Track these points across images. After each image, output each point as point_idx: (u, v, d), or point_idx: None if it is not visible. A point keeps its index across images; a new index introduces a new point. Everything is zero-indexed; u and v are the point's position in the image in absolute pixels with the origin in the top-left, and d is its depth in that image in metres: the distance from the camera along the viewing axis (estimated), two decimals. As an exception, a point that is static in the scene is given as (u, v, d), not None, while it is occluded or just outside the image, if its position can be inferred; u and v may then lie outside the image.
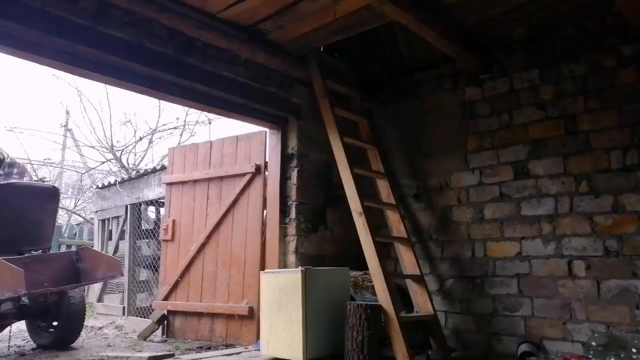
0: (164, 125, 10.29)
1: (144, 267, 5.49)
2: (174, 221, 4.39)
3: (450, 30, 3.18)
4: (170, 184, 4.54)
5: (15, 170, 4.11)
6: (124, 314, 5.46)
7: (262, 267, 3.72)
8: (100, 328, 5.10)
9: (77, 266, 3.96)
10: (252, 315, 3.73)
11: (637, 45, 2.97)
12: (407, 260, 3.51)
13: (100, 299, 6.16)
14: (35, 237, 3.98)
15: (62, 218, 11.86)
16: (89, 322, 5.06)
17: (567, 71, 3.20)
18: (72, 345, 4.17)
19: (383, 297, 2.98)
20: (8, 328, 3.96)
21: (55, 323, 4.15)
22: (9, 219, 3.78)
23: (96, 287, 6.17)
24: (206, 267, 4.10)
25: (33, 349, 4.16)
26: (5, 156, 4.12)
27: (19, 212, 3.82)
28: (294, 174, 3.72)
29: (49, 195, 4.11)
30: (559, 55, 3.24)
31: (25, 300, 3.86)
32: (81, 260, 4.00)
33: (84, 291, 4.25)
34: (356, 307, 2.86)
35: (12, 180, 4.06)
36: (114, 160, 10.05)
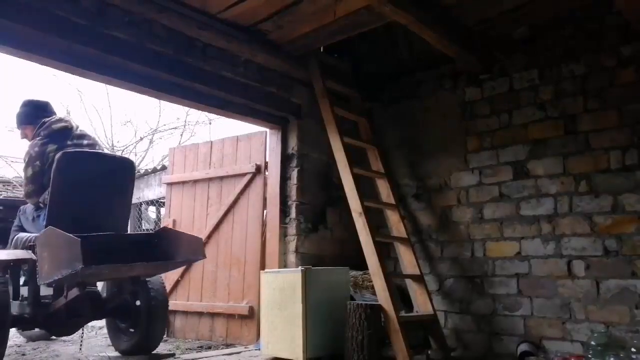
0: (164, 125, 10.32)
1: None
2: (174, 221, 4.40)
3: (450, 31, 3.18)
4: (170, 184, 4.55)
5: (85, 142, 3.26)
6: (124, 314, 5.45)
7: (262, 266, 3.73)
8: (100, 328, 5.10)
9: (157, 249, 2.98)
10: (252, 315, 3.74)
11: (636, 45, 2.97)
12: (407, 260, 3.52)
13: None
14: (107, 218, 3.10)
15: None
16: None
17: (567, 71, 3.21)
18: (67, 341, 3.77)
19: (383, 296, 2.99)
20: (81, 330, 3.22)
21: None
22: (77, 194, 2.92)
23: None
24: (206, 266, 4.11)
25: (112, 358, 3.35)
26: (75, 126, 3.28)
27: (89, 187, 2.97)
28: (294, 174, 3.73)
29: (126, 169, 3.22)
30: (559, 55, 3.25)
31: (92, 288, 3.10)
32: (161, 242, 3.03)
33: (163, 281, 3.36)
34: (356, 306, 2.86)
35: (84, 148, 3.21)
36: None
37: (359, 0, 2.88)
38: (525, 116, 3.35)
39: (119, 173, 3.17)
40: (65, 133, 3.18)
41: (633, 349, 2.64)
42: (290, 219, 3.69)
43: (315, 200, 3.84)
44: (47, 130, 3.12)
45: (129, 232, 5.51)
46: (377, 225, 3.74)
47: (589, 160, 3.06)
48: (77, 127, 3.30)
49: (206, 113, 8.34)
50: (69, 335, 3.27)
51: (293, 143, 3.79)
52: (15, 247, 2.98)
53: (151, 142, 10.53)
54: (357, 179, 3.31)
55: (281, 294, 3.04)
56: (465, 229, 3.55)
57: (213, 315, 4.00)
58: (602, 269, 2.94)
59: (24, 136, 3.32)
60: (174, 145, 7.69)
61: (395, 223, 3.61)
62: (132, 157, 10.32)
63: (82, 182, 2.93)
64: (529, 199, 3.27)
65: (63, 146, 3.06)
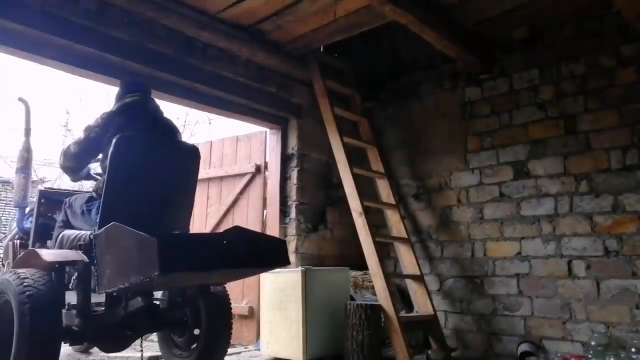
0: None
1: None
2: (174, 221, 4.39)
3: (450, 31, 3.18)
4: (170, 184, 4.53)
5: (157, 126, 2.65)
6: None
7: (262, 267, 3.72)
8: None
9: (234, 252, 2.36)
10: (252, 315, 3.73)
11: (636, 45, 2.97)
12: (407, 260, 3.52)
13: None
14: (171, 214, 2.61)
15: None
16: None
17: (567, 71, 3.21)
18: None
19: (383, 297, 2.99)
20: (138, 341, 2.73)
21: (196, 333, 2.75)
22: (137, 184, 2.40)
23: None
24: (206, 267, 4.10)
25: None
26: (154, 107, 2.68)
27: (151, 176, 2.45)
28: (294, 174, 3.73)
29: (192, 157, 2.67)
30: (559, 55, 3.25)
31: (158, 298, 2.65)
32: (236, 244, 2.39)
33: (227, 289, 2.80)
34: (356, 307, 2.86)
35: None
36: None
37: (359, 0, 2.88)
38: (526, 116, 3.35)
39: (184, 162, 2.65)
40: (137, 109, 2.53)
41: (633, 349, 2.64)
42: (290, 219, 3.69)
43: (315, 200, 3.84)
44: (120, 103, 2.55)
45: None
46: (377, 225, 3.74)
47: (589, 160, 3.06)
48: (157, 109, 2.67)
49: (206, 113, 8.34)
50: (120, 351, 2.73)
51: (293, 143, 3.79)
52: (61, 247, 2.47)
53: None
54: (357, 178, 3.31)
55: (281, 294, 3.04)
56: (466, 229, 3.55)
57: (213, 315, 3.99)
58: (602, 269, 2.93)
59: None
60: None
61: (395, 223, 3.61)
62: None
63: (143, 171, 2.42)
64: (529, 199, 3.27)
65: (131, 125, 2.44)
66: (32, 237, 2.75)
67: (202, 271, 2.14)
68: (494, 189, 3.44)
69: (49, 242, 2.68)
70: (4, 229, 8.57)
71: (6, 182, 12.70)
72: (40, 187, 2.95)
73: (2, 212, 12.64)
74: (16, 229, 2.99)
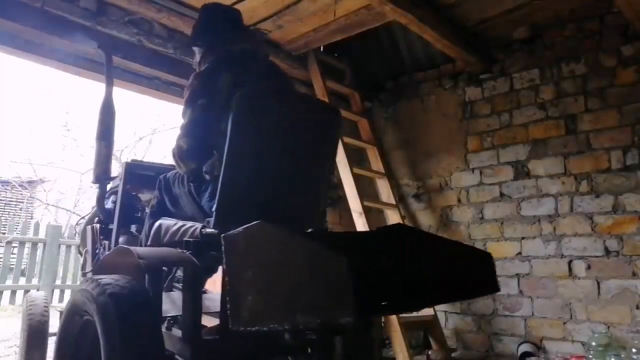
0: (164, 125, 10.31)
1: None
2: (174, 221, 4.36)
3: (451, 30, 3.18)
4: (170, 184, 4.50)
5: (275, 78, 1.99)
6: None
7: (263, 267, 3.69)
8: None
9: (436, 275, 1.39)
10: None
11: (637, 45, 2.96)
12: (407, 260, 3.50)
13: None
14: (306, 203, 1.91)
15: (62, 218, 11.87)
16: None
17: (568, 71, 3.20)
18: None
19: (383, 297, 2.97)
20: None
21: None
22: (266, 160, 1.72)
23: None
24: (206, 267, 4.08)
25: None
26: (264, 53, 2.09)
27: (283, 149, 1.76)
28: (294, 174, 3.72)
29: (331, 123, 1.91)
30: (559, 55, 3.24)
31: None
32: (435, 262, 1.41)
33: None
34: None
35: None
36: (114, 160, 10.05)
37: (359, 0, 2.87)
38: (526, 116, 3.34)
39: (324, 129, 1.90)
40: (246, 58, 1.89)
41: (634, 350, 2.63)
42: (290, 219, 3.68)
43: (315, 200, 3.83)
44: (219, 53, 1.87)
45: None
46: (377, 225, 3.73)
47: (590, 160, 3.05)
48: (267, 55, 2.06)
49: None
50: None
51: (293, 143, 3.78)
52: (157, 240, 1.85)
53: (150, 142, 10.52)
54: (357, 178, 3.30)
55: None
56: (466, 229, 3.54)
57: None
58: (602, 269, 2.93)
59: (195, 65, 1.99)
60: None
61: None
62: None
63: (274, 144, 1.73)
64: (530, 199, 3.26)
65: (242, 80, 1.75)
66: (116, 222, 2.14)
67: (409, 310, 1.36)
68: (494, 189, 3.44)
69: (132, 228, 2.18)
70: (3, 229, 8.56)
71: (6, 183, 12.69)
72: (126, 160, 2.37)
73: (1, 212, 12.62)
74: (95, 209, 2.42)
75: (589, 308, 2.95)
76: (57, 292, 6.83)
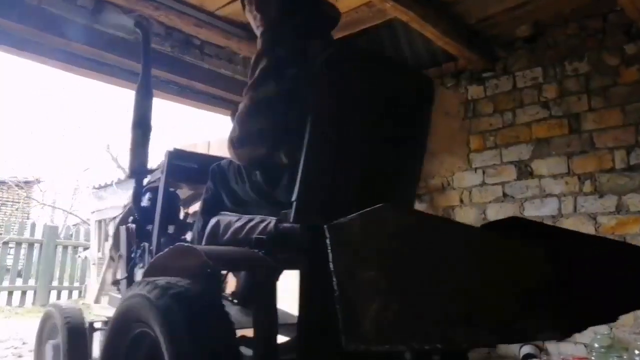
0: (163, 125, 10.26)
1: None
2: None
3: (452, 28, 3.14)
4: (168, 184, 4.46)
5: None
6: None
7: (262, 268, 3.66)
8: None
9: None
10: (251, 316, 3.68)
11: (641, 43, 2.94)
12: (409, 261, 3.47)
13: (97, 300, 6.11)
14: (400, 187, 1.63)
15: (58, 218, 11.80)
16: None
17: (571, 69, 3.17)
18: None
19: (385, 298, 2.94)
20: None
21: None
22: (352, 140, 1.45)
23: (94, 287, 6.13)
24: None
25: None
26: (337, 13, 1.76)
27: (371, 126, 1.50)
28: (294, 174, 3.69)
29: (423, 95, 1.74)
30: (563, 53, 3.21)
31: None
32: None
33: None
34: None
35: None
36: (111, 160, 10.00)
37: (360, -3, 2.84)
38: (529, 115, 3.31)
39: (418, 104, 1.71)
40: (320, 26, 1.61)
41: (636, 351, 2.61)
42: (290, 219, 3.65)
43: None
44: (290, 24, 1.54)
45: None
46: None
47: (593, 159, 3.03)
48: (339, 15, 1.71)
49: (205, 111, 8.30)
50: None
51: (293, 142, 3.75)
52: (213, 241, 1.55)
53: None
54: (358, 178, 3.27)
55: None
56: (468, 229, 3.51)
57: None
58: (606, 269, 2.90)
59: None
60: (172, 145, 7.63)
61: (397, 223, 3.57)
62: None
63: (362, 120, 1.46)
64: (533, 199, 3.23)
65: (313, 52, 1.41)
66: (157, 221, 1.88)
67: (612, 321, 1.06)
68: (497, 189, 3.41)
69: (170, 229, 1.94)
70: (0, 229, 8.50)
71: (2, 182, 12.61)
72: (168, 149, 1.99)
73: (-1, 213, 12.55)
74: (128, 207, 2.18)
75: (592, 309, 2.92)
76: (53, 293, 6.78)
